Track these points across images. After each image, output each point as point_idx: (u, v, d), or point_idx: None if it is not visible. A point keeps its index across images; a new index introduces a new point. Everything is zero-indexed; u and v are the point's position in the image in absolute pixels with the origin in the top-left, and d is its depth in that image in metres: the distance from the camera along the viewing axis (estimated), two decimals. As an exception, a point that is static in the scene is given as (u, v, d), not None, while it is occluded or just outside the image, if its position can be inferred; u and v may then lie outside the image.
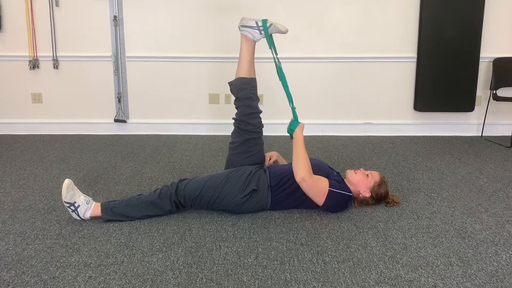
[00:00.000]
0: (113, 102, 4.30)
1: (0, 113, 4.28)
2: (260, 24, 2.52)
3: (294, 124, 2.51)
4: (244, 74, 2.60)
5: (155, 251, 2.04)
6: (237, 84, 2.61)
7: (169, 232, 2.22)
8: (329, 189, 2.33)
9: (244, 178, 2.37)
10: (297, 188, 2.35)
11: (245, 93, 2.58)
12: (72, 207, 2.27)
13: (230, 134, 2.69)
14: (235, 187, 2.34)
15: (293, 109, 2.57)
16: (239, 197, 2.34)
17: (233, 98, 2.66)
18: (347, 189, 2.42)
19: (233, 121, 2.63)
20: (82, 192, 2.73)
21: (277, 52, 2.59)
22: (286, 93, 2.55)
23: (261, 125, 2.61)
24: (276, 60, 2.56)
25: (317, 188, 2.32)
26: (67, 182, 2.26)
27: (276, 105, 4.26)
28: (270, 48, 2.57)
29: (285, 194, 2.41)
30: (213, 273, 1.86)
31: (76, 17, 4.10)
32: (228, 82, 2.67)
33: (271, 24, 2.51)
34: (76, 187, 2.32)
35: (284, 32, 2.53)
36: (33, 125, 4.30)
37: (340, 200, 2.38)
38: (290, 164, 2.47)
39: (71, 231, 2.21)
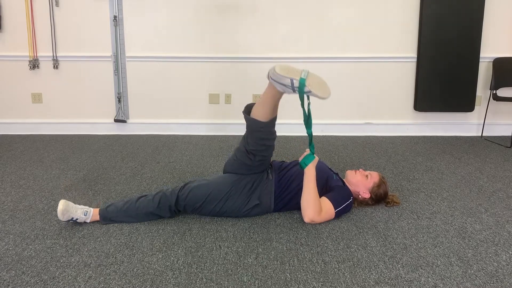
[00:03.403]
0: (113, 102, 4.30)
1: (0, 113, 4.29)
2: (296, 84, 2.06)
3: (309, 158, 2.35)
4: (263, 118, 2.25)
5: (155, 251, 2.04)
6: (252, 126, 2.29)
7: (169, 232, 2.22)
8: (335, 212, 2.34)
9: (247, 191, 2.33)
10: (300, 190, 2.35)
11: (260, 141, 2.30)
12: (71, 221, 2.26)
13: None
14: (237, 202, 2.32)
15: (312, 145, 2.33)
16: (241, 211, 2.34)
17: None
18: (348, 195, 2.42)
19: (243, 142, 2.39)
20: (82, 192, 2.73)
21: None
22: (308, 133, 2.26)
23: (272, 151, 2.41)
24: (306, 111, 2.20)
25: (325, 219, 2.33)
26: (61, 207, 2.18)
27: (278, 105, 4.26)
28: (302, 107, 2.17)
29: (288, 199, 2.40)
30: (213, 273, 1.86)
31: (76, 17, 4.10)
32: (243, 112, 2.35)
33: (309, 91, 2.05)
34: (71, 205, 2.24)
35: (324, 98, 2.08)
36: (33, 125, 4.30)
37: (345, 211, 2.40)
38: (295, 163, 2.47)
39: (71, 231, 2.21)
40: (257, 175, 2.38)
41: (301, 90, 2.06)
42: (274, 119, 2.28)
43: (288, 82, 2.07)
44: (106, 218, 2.29)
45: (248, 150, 2.32)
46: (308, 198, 2.29)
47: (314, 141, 2.36)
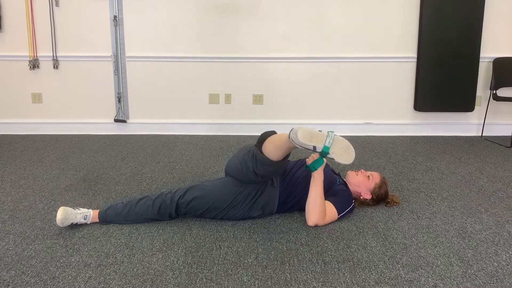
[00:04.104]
0: (113, 102, 4.30)
1: (0, 113, 4.29)
2: (318, 150, 2.01)
3: (319, 162, 2.27)
4: (276, 158, 2.15)
5: (155, 251, 2.04)
6: (263, 161, 2.15)
7: (169, 232, 2.22)
8: (339, 217, 2.34)
9: (250, 200, 2.30)
10: (305, 194, 2.34)
11: (270, 173, 2.25)
12: (72, 225, 2.26)
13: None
14: (239, 212, 2.31)
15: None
16: (244, 218, 2.34)
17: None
18: (351, 199, 2.42)
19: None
20: (82, 192, 2.73)
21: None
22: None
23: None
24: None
25: (328, 222, 2.32)
26: (59, 217, 2.16)
27: (276, 105, 4.26)
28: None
29: (292, 204, 2.40)
30: (213, 273, 1.86)
31: (76, 17, 4.10)
32: (255, 146, 2.21)
33: (332, 158, 2.02)
34: (70, 211, 2.23)
35: (346, 164, 2.07)
36: (33, 125, 4.30)
37: (348, 214, 2.40)
38: (300, 165, 2.46)
39: (71, 231, 2.21)
40: (261, 183, 2.31)
41: (323, 156, 2.04)
42: (287, 156, 2.20)
43: (310, 147, 2.00)
44: (106, 221, 2.29)
45: (256, 172, 2.19)
46: (315, 202, 2.27)
47: None
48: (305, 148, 2.00)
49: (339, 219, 2.35)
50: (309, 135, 1.98)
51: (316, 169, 2.28)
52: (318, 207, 2.26)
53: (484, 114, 4.32)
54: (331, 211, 2.31)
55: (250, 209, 2.31)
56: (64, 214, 2.19)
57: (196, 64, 4.23)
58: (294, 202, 2.39)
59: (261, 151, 2.15)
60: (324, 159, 2.31)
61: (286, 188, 2.37)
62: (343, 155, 2.02)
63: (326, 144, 1.99)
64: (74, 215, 2.23)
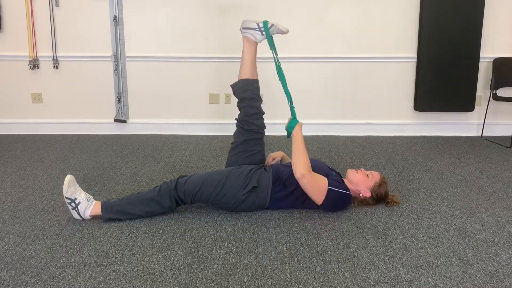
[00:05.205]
0: (113, 102, 4.30)
1: (0, 113, 4.29)
2: (261, 25, 2.56)
3: (293, 122, 2.53)
4: (246, 75, 2.63)
5: (155, 251, 2.04)
6: (239, 86, 2.64)
7: (169, 232, 2.22)
8: (328, 188, 2.33)
9: (245, 175, 2.37)
10: (297, 187, 2.35)
11: (248, 94, 2.60)
12: (73, 204, 2.27)
13: (230, 134, 2.70)
14: (235, 185, 2.34)
15: (292, 108, 2.59)
16: (240, 194, 2.34)
17: (234, 99, 2.67)
18: (346, 189, 2.42)
19: (235, 121, 2.65)
20: (82, 192, 2.74)
21: (278, 52, 2.61)
22: (285, 92, 2.58)
23: (263, 126, 2.63)
24: (276, 60, 2.59)
25: (316, 185, 2.33)
26: (68, 177, 2.28)
27: (276, 105, 4.25)
28: (271, 48, 2.60)
29: (285, 194, 2.41)
30: (213, 273, 1.86)
31: (76, 17, 4.10)
32: (231, 85, 2.69)
33: (272, 25, 2.54)
34: (77, 185, 2.34)
35: (285, 32, 2.58)
36: (33, 125, 4.30)
37: (339, 199, 2.38)
38: (288, 164, 2.48)
39: (71, 231, 2.21)
40: (254, 165, 2.47)
41: (266, 27, 2.54)
42: (257, 81, 2.66)
43: (254, 25, 2.57)
44: (107, 208, 2.30)
45: (240, 120, 2.60)
46: (298, 153, 2.37)
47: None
48: (252, 28, 2.57)
49: (332, 196, 2.33)
50: (252, 19, 2.61)
51: (293, 128, 2.48)
52: (301, 159, 2.33)
53: (484, 114, 4.32)
54: (321, 178, 2.35)
55: (247, 182, 2.35)
56: (72, 180, 2.29)
57: (196, 64, 4.23)
58: (289, 191, 2.41)
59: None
60: (299, 121, 2.50)
61: (277, 172, 2.45)
62: (280, 25, 2.55)
63: (264, 20, 2.57)
64: (79, 191, 2.32)
